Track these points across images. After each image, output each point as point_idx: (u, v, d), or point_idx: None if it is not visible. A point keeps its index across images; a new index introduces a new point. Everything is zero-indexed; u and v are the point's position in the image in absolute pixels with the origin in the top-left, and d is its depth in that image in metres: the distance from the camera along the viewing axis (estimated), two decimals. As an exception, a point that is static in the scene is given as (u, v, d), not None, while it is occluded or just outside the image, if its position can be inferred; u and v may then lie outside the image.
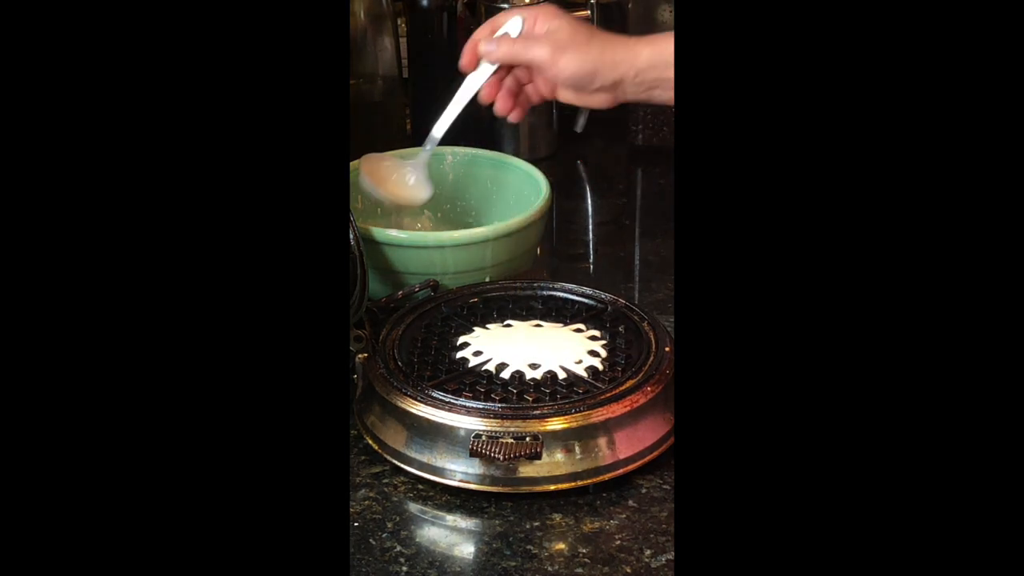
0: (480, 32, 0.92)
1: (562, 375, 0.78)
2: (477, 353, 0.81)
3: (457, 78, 0.92)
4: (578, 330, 0.85)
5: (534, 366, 0.79)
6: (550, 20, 0.88)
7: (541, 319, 0.87)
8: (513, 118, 0.93)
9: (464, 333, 0.84)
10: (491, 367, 0.80)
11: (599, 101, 0.88)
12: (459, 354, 0.82)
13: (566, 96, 0.89)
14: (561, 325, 0.86)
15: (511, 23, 0.90)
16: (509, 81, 0.92)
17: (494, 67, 0.90)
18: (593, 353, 0.81)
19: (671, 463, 0.76)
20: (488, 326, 0.86)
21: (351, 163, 1.02)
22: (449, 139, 1.19)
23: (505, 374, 0.79)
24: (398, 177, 0.98)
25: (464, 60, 0.92)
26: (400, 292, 0.91)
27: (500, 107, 0.92)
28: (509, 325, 0.86)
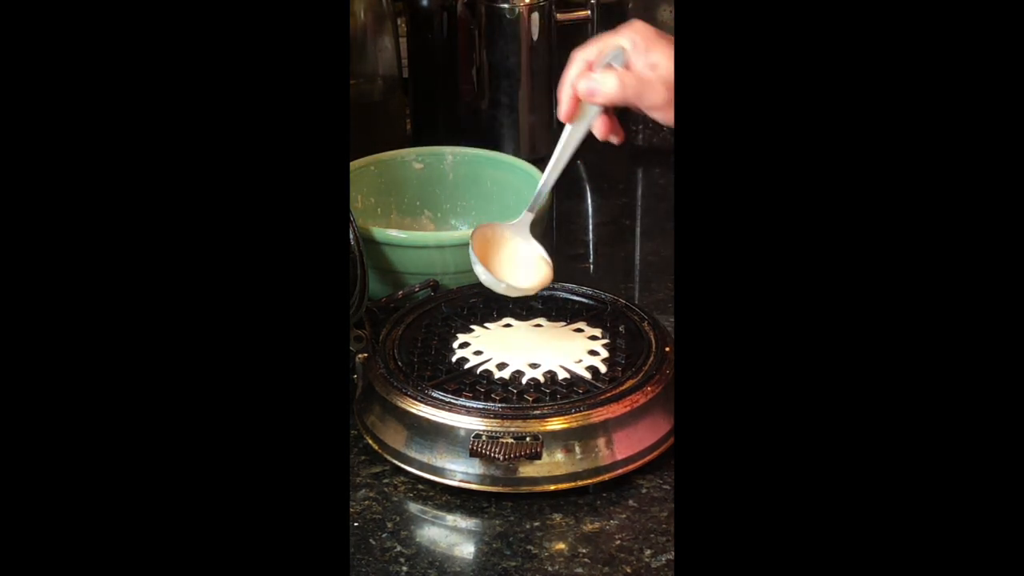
0: (574, 71, 0.79)
1: (562, 375, 0.78)
2: (477, 353, 0.81)
3: (458, 77, 0.91)
4: (578, 330, 0.85)
5: (534, 366, 0.79)
6: (650, 49, 0.77)
7: (541, 319, 0.87)
8: (619, 140, 0.83)
9: (464, 333, 0.84)
10: (491, 367, 0.80)
11: None
12: (459, 354, 0.82)
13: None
14: (562, 324, 0.86)
15: (613, 55, 0.78)
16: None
17: (597, 111, 0.80)
18: (593, 353, 0.81)
19: (671, 463, 0.76)
20: (488, 325, 0.86)
21: (351, 163, 1.02)
22: (449, 139, 1.20)
23: (505, 373, 0.79)
24: (508, 253, 0.86)
25: (566, 109, 0.80)
26: (400, 292, 0.91)
27: (606, 135, 0.82)
28: (509, 325, 0.86)
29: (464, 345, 0.83)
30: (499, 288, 0.82)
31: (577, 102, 0.80)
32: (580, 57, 0.80)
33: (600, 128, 0.81)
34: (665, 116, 0.78)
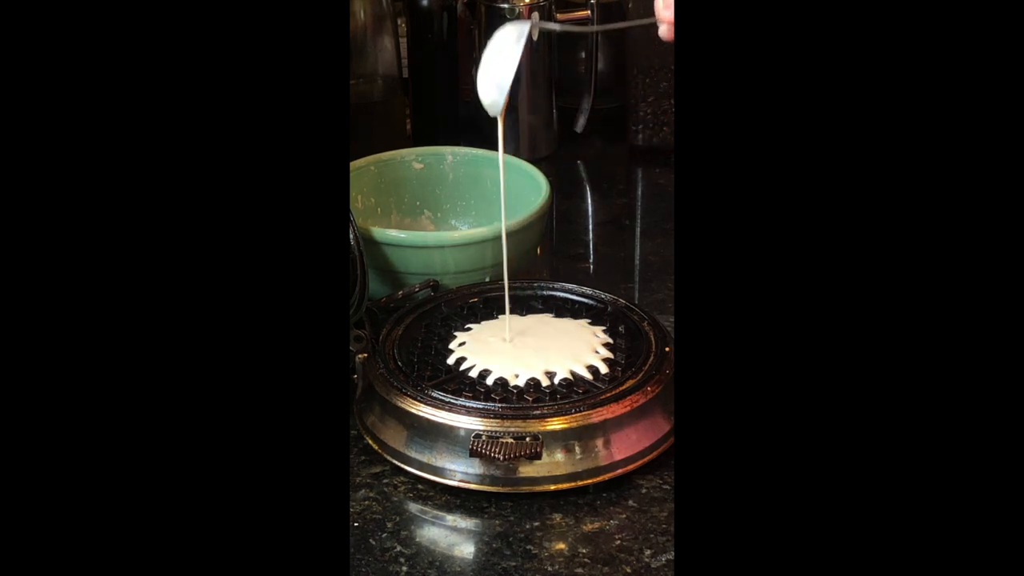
0: None
1: (562, 374, 0.78)
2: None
3: (458, 77, 0.90)
4: (589, 323, 0.85)
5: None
6: None
7: (544, 315, 0.87)
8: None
9: (463, 332, 0.84)
10: (486, 366, 0.79)
11: None
12: (458, 353, 0.81)
13: None
14: (557, 319, 0.86)
15: None
16: None
17: None
18: (595, 351, 0.81)
19: (671, 463, 0.76)
20: (483, 322, 0.86)
21: (351, 163, 1.02)
22: (449, 139, 1.20)
23: (505, 374, 0.79)
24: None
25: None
26: (400, 292, 0.91)
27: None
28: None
29: (463, 344, 0.83)
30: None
31: None
32: None
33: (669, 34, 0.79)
34: None
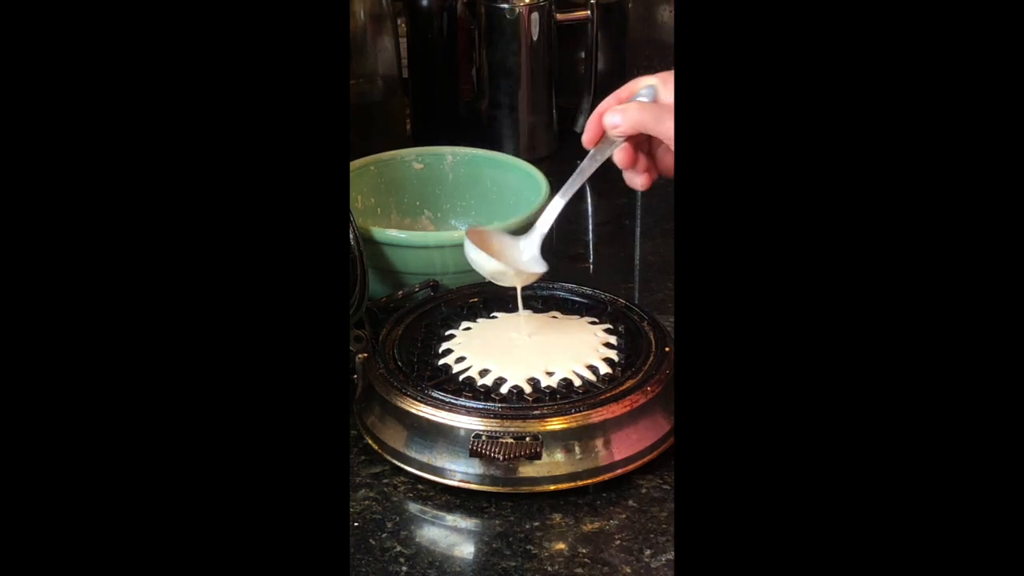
0: (606, 103, 0.81)
1: (562, 374, 0.78)
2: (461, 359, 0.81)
3: (458, 77, 0.90)
4: (592, 322, 0.85)
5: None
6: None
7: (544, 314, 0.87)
8: (642, 185, 0.83)
9: (462, 331, 0.84)
10: (485, 366, 0.79)
11: None
12: (457, 354, 0.81)
13: None
14: (550, 316, 0.86)
15: (643, 91, 0.81)
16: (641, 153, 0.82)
17: (619, 142, 0.80)
18: (596, 351, 0.81)
19: (671, 463, 0.76)
20: (483, 322, 0.86)
21: (351, 163, 1.02)
22: (449, 139, 1.20)
23: (505, 374, 0.78)
24: (513, 252, 0.84)
25: (588, 135, 0.81)
26: (400, 292, 0.91)
27: (627, 165, 0.82)
28: (495, 317, 0.86)
29: (463, 344, 0.82)
30: (507, 278, 0.81)
31: (601, 132, 0.81)
32: (613, 94, 0.82)
33: (621, 158, 0.81)
34: None
